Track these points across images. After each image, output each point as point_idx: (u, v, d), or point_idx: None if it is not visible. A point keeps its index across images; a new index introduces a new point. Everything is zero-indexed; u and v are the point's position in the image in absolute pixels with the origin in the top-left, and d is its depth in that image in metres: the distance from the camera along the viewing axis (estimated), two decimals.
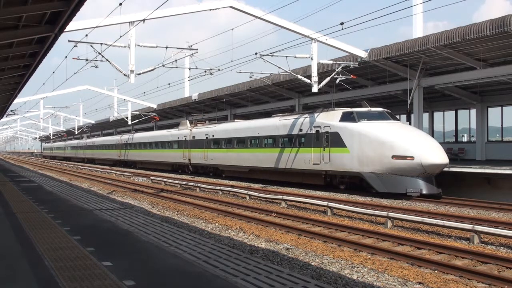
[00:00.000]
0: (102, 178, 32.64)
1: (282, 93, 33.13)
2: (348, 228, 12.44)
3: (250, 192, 19.84)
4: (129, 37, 19.54)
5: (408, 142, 18.87)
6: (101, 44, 19.94)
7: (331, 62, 23.79)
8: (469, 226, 11.11)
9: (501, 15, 18.27)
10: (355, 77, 24.41)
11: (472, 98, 27.40)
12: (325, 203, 15.62)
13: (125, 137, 49.53)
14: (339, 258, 9.53)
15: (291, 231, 12.29)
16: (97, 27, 18.26)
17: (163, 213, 16.34)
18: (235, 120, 34.45)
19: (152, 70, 22.21)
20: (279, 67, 23.11)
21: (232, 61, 22.92)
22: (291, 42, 21.61)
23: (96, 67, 21.51)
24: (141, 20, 18.83)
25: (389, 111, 21.55)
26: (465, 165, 20.82)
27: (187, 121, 38.37)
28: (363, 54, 23.51)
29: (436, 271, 8.61)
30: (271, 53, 22.10)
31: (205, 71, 24.44)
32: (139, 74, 20.99)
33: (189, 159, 34.68)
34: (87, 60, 20.90)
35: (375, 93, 28.28)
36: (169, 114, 50.78)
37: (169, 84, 30.75)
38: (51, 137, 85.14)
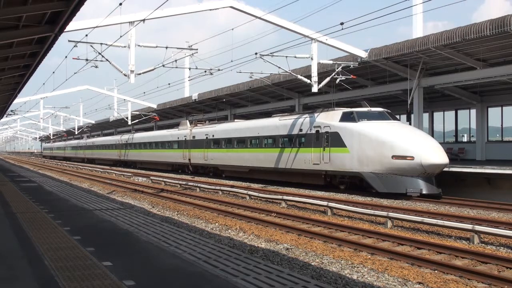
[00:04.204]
0: (102, 178, 32.63)
1: (282, 93, 33.13)
2: (348, 228, 12.43)
3: (250, 192, 19.84)
4: (129, 37, 19.54)
5: (408, 142, 18.87)
6: (101, 44, 19.94)
7: (331, 62, 23.79)
8: (469, 226, 11.11)
9: (501, 15, 18.29)
10: (355, 77, 24.41)
11: (472, 98, 27.39)
12: (325, 203, 15.62)
13: (125, 137, 49.53)
14: (339, 258, 9.53)
15: (291, 231, 12.29)
16: (97, 27, 18.27)
17: (163, 213, 16.34)
18: (235, 120, 34.44)
19: (152, 70, 22.21)
20: (279, 67, 23.12)
21: (232, 61, 22.94)
22: (291, 42, 21.64)
23: (96, 67, 21.52)
24: (141, 20, 18.83)
25: (389, 111, 21.55)
26: (465, 165, 20.81)
27: (187, 121, 38.37)
28: (363, 54, 23.52)
29: (436, 271, 8.61)
30: (271, 53, 22.10)
31: (205, 71, 24.45)
32: (139, 74, 20.99)
33: (189, 159, 34.68)
34: (87, 60, 20.90)
35: (375, 93, 28.28)
36: (169, 114, 50.78)
37: (169, 84, 30.80)
38: (51, 137, 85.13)
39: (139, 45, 20.37)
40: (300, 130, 23.36)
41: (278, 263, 8.93)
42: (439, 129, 32.01)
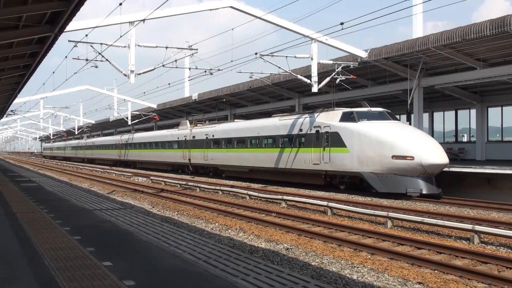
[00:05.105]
0: (102, 178, 32.63)
1: (282, 93, 33.13)
2: (348, 228, 12.43)
3: (250, 192, 19.84)
4: (129, 37, 19.55)
5: (408, 142, 18.87)
6: (101, 44, 19.95)
7: (331, 62, 23.79)
8: (469, 226, 11.11)
9: (501, 15, 18.29)
10: (355, 77, 24.41)
11: (472, 98, 27.40)
12: (325, 203, 15.62)
13: (125, 137, 49.54)
14: (339, 258, 9.53)
15: (291, 231, 12.29)
16: (97, 27, 18.28)
17: (163, 213, 16.35)
18: (235, 120, 34.44)
19: (152, 70, 22.21)
20: (279, 67, 23.12)
21: (232, 61, 22.94)
22: (291, 42, 21.61)
23: (96, 67, 21.54)
24: (141, 20, 18.83)
25: (389, 111, 21.55)
26: (465, 165, 20.81)
27: (187, 121, 38.37)
28: (363, 54, 23.51)
29: (436, 271, 8.61)
30: (271, 53, 22.10)
31: (205, 71, 24.45)
32: (139, 74, 20.99)
33: (189, 159, 34.68)
34: (87, 60, 20.91)
35: (375, 93, 28.28)
36: (169, 114, 50.79)
37: (169, 84, 30.79)
38: (51, 137, 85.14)
39: (139, 45, 20.37)
40: (300, 130, 23.36)
41: (278, 263, 8.93)
42: (439, 129, 32.01)
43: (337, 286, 7.59)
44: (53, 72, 27.56)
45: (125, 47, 19.88)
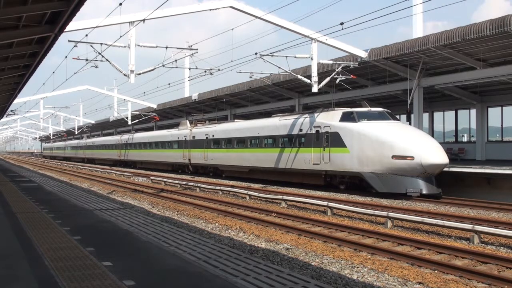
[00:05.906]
0: (102, 178, 32.63)
1: (282, 93, 33.13)
2: (348, 228, 12.44)
3: (250, 192, 19.84)
4: (129, 37, 19.56)
5: (408, 142, 18.88)
6: (101, 44, 19.95)
7: (331, 62, 23.79)
8: (469, 226, 11.11)
9: (501, 15, 18.29)
10: (355, 77, 24.41)
11: (472, 98, 27.40)
12: (325, 203, 15.62)
13: (125, 137, 49.55)
14: (339, 258, 9.53)
15: (291, 231, 12.29)
16: (97, 27, 18.28)
17: (163, 213, 16.35)
18: (235, 120, 34.45)
19: (152, 70, 22.21)
20: (279, 67, 23.12)
21: (232, 61, 22.93)
22: (291, 42, 21.60)
23: (96, 67, 21.55)
24: (141, 20, 18.84)
25: (389, 111, 21.56)
26: (465, 165, 20.82)
27: (187, 121, 38.38)
28: (363, 54, 23.52)
29: (436, 271, 8.61)
30: (271, 53, 22.10)
31: (205, 71, 24.45)
32: (139, 74, 20.99)
33: (189, 159, 34.69)
34: (87, 60, 20.91)
35: (375, 93, 28.28)
36: (169, 114, 50.79)
37: (169, 84, 30.77)
38: (51, 137, 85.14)
39: (139, 45, 20.37)
40: (300, 130, 23.36)
41: (278, 263, 8.92)
42: (439, 129, 32.02)
43: (337, 286, 7.59)
44: (53, 72, 27.58)
45: (125, 47, 19.89)
